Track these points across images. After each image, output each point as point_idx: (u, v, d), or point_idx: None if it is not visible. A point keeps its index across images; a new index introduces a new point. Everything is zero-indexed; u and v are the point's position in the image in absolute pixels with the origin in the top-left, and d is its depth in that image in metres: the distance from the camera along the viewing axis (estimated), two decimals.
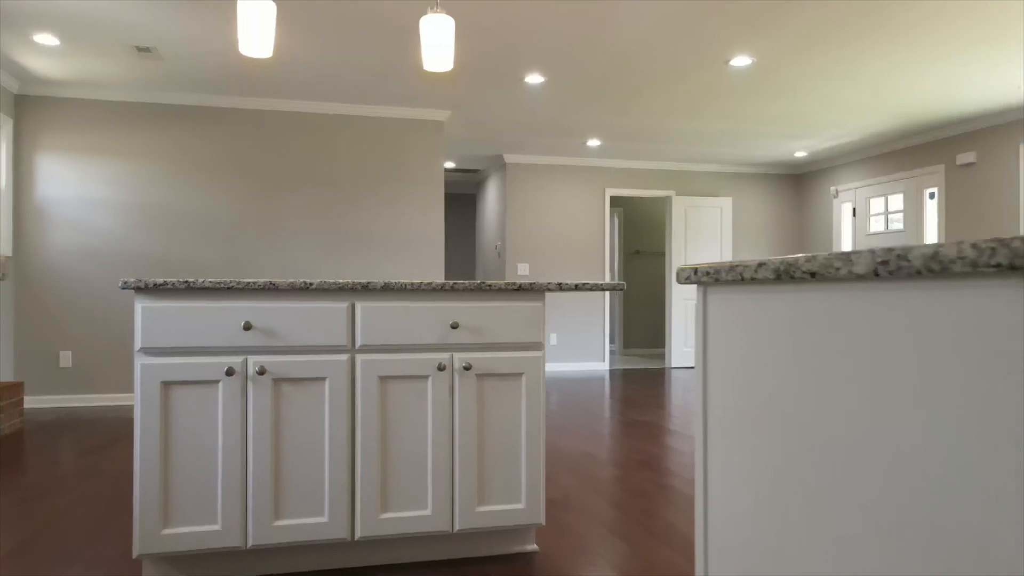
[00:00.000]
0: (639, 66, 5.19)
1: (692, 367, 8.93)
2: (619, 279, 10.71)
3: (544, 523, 2.45)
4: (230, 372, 2.18)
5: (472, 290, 2.40)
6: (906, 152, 7.66)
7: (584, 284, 2.46)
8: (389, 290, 2.32)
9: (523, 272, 8.53)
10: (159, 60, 5.08)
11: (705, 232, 8.99)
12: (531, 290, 2.43)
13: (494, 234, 9.14)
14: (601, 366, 8.79)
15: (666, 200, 9.06)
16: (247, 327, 2.19)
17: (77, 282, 5.75)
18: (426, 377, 2.36)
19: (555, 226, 8.65)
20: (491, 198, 9.37)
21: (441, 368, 2.34)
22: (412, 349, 2.36)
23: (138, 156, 5.86)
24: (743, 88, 5.70)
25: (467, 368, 2.36)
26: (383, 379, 2.33)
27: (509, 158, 8.47)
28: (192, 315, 2.18)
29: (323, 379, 2.28)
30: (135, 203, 5.84)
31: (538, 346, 2.47)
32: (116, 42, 4.74)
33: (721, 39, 4.67)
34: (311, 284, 2.25)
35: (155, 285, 2.14)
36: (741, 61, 5.06)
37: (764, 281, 0.96)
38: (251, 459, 2.21)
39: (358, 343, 2.30)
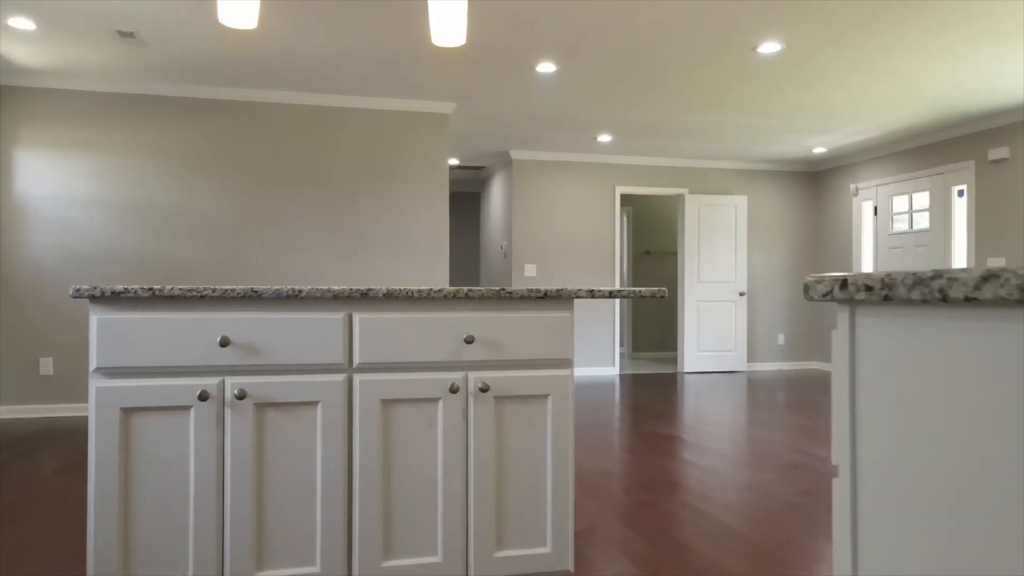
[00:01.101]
0: (659, 53, 4.85)
1: (706, 372, 8.58)
2: (629, 281, 10.36)
3: (573, 570, 2.10)
4: (204, 396, 1.83)
5: (489, 298, 2.05)
6: (933, 147, 7.31)
7: (619, 291, 2.11)
8: (392, 298, 1.98)
9: (530, 274, 8.19)
10: (143, 46, 4.73)
11: (719, 232, 8.64)
12: (558, 298, 2.09)
13: (499, 234, 8.79)
14: (611, 371, 8.44)
15: (678, 198, 8.71)
16: (224, 343, 1.84)
17: (59, 284, 5.41)
18: (436, 400, 2.01)
19: (563, 226, 8.30)
20: (496, 197, 9.02)
21: (454, 390, 2.00)
22: (420, 367, 2.01)
23: (124, 151, 5.51)
24: (769, 77, 5.34)
25: (484, 389, 2.01)
26: (386, 403, 1.98)
27: (515, 154, 8.13)
28: (158, 329, 1.83)
29: (315, 403, 1.93)
30: (121, 201, 5.50)
31: (566, 363, 2.12)
32: (96, 26, 4.39)
33: (749, 23, 4.32)
34: (300, 291, 1.90)
35: (113, 293, 1.79)
36: (770, 48, 4.71)
37: (989, 304, 0.61)
38: (229, 499, 1.86)
39: (356, 361, 1.96)
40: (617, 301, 8.42)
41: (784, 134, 7.24)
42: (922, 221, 7.49)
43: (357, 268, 5.91)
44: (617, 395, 6.75)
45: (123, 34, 4.51)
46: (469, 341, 2.01)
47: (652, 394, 6.78)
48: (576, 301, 8.29)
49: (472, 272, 10.98)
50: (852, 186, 8.38)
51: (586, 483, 3.60)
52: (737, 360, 8.66)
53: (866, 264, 8.27)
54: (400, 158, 6.04)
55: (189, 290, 1.83)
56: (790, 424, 5.19)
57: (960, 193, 7.08)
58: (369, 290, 1.94)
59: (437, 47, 4.74)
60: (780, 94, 5.79)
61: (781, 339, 8.94)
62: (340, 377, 1.95)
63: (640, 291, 2.14)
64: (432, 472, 2.01)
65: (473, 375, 2.04)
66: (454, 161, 8.77)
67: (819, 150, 8.07)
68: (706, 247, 8.62)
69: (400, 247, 6.01)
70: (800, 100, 5.96)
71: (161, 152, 5.58)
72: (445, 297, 2.00)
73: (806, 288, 0.80)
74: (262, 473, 1.89)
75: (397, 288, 1.97)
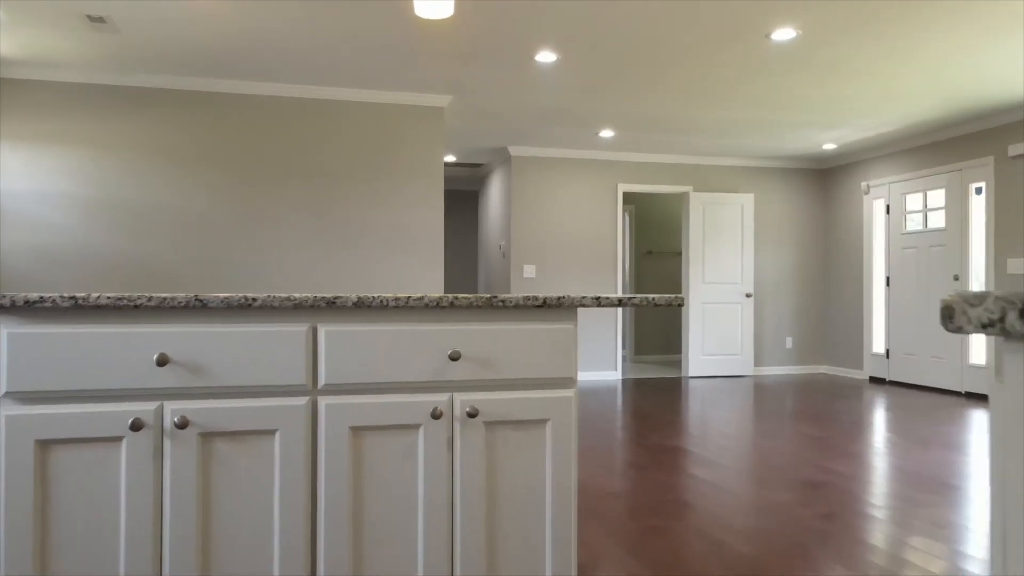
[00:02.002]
0: (666, 41, 4.55)
1: (711, 376, 8.28)
2: (631, 282, 10.07)
3: None
4: (137, 426, 1.54)
5: (479, 307, 1.75)
6: (949, 143, 7.01)
7: (629, 299, 1.82)
8: (364, 308, 1.68)
9: (529, 275, 7.89)
10: (116, 32, 4.43)
11: (725, 231, 8.34)
12: (559, 307, 1.79)
13: (498, 233, 8.50)
14: (614, 375, 8.15)
15: (683, 196, 8.41)
16: (162, 361, 1.55)
17: (31, 287, 5.11)
18: (416, 427, 1.72)
19: (564, 225, 8.00)
20: (495, 194, 8.73)
21: (436, 415, 1.70)
22: (397, 389, 1.72)
23: (101, 146, 5.22)
24: (783, 66, 5.05)
25: (472, 415, 1.72)
26: (356, 431, 1.69)
27: (514, 151, 7.83)
28: (83, 345, 1.53)
29: (272, 432, 1.63)
30: (98, 198, 5.20)
31: (568, 382, 1.82)
32: (64, 10, 4.10)
33: (763, 8, 4.03)
34: (254, 300, 1.60)
35: (27, 302, 1.49)
36: (784, 34, 4.42)
37: None
38: (168, 547, 1.56)
39: (322, 381, 1.66)
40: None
41: (794, 129, 6.94)
42: (937, 220, 7.20)
43: (347, 268, 5.62)
44: (620, 402, 6.46)
45: (93, 19, 4.22)
46: (455, 358, 1.71)
47: (657, 401, 6.49)
48: (574, 291, 7.99)
49: (470, 273, 10.68)
50: (863, 184, 8.09)
51: (590, 505, 3.30)
52: (743, 364, 8.36)
53: (878, 265, 7.97)
54: (393, 153, 5.75)
55: (119, 299, 1.53)
56: (803, 435, 4.90)
57: (978, 191, 6.79)
58: (336, 298, 1.65)
59: (430, 32, 4.44)
60: (793, 86, 5.49)
61: (789, 342, 8.65)
62: (302, 401, 1.65)
63: (654, 299, 1.85)
64: (411, 511, 1.71)
65: (460, 397, 1.74)
66: (451, 158, 8.48)
67: (829, 146, 7.77)
68: (711, 247, 8.32)
69: (393, 247, 5.72)
70: (814, 92, 5.66)
71: (141, 147, 5.28)
72: (427, 306, 1.71)
73: (948, 314, 0.51)
74: (208, 515, 1.60)
75: (369, 296, 1.67)
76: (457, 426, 1.73)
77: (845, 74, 5.19)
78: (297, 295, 1.63)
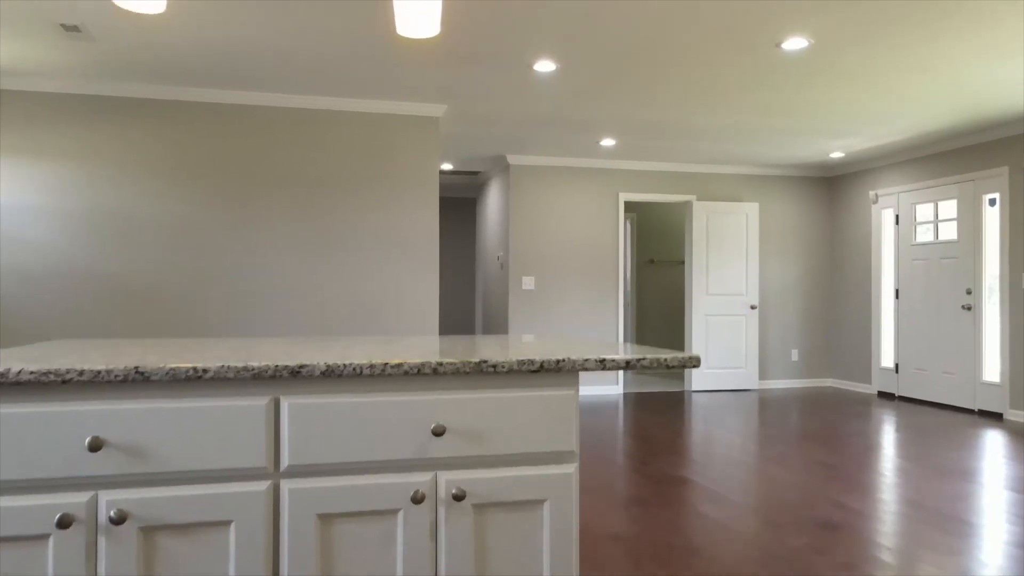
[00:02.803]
0: (670, 50, 4.33)
1: (715, 390, 8.07)
2: (632, 291, 9.84)
3: None
4: (65, 522, 1.32)
5: (467, 373, 1.53)
6: (962, 152, 6.79)
7: (640, 359, 1.60)
8: (334, 377, 1.46)
9: (528, 286, 7.67)
10: (91, 41, 4.21)
11: (729, 240, 8.12)
12: (558, 371, 1.57)
13: (496, 243, 8.28)
14: (614, 390, 7.93)
15: (686, 205, 8.19)
16: (96, 445, 1.33)
17: (7, 309, 4.89)
18: (394, 513, 1.50)
19: (564, 235, 7.78)
20: (493, 203, 8.51)
21: (418, 499, 1.48)
22: (372, 469, 1.50)
23: (79, 157, 4.99)
24: (793, 76, 4.83)
25: (459, 498, 1.50)
26: (325, 518, 1.46)
27: (512, 159, 7.61)
28: (1, 428, 1.31)
29: (226, 523, 1.41)
30: (76, 211, 4.98)
31: (569, 456, 1.60)
32: (36, 19, 3.87)
33: (774, 17, 3.81)
34: (205, 371, 1.38)
35: None
36: (795, 44, 4.19)
37: None
38: None
39: (285, 462, 1.44)
40: (620, 310, 7.91)
41: (801, 137, 6.72)
42: (949, 231, 6.98)
43: (340, 281, 5.40)
44: (621, 421, 6.23)
45: (67, 28, 3.99)
46: (439, 432, 1.49)
47: (659, 420, 6.26)
48: (576, 310, 7.78)
49: (467, 282, 10.46)
50: (871, 193, 7.87)
51: (590, 551, 3.08)
52: (748, 378, 8.14)
53: (886, 276, 7.75)
54: (386, 164, 5.53)
55: (44, 374, 1.31)
56: (815, 462, 4.68)
57: (992, 202, 6.57)
58: (301, 367, 1.43)
59: (423, 43, 4.22)
60: (802, 94, 5.27)
61: (795, 355, 8.43)
62: (262, 486, 1.43)
63: (665, 359, 1.62)
64: None
65: (445, 477, 1.52)
66: (447, 166, 8.25)
67: (836, 154, 7.55)
68: (715, 258, 8.10)
69: (388, 259, 5.50)
70: (824, 101, 5.44)
71: (122, 158, 5.05)
72: (406, 374, 1.49)
73: None
74: None
75: (339, 364, 1.45)
76: (441, 510, 1.51)
77: (857, 83, 4.97)
78: (256, 364, 1.41)
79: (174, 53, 4.40)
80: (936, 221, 7.11)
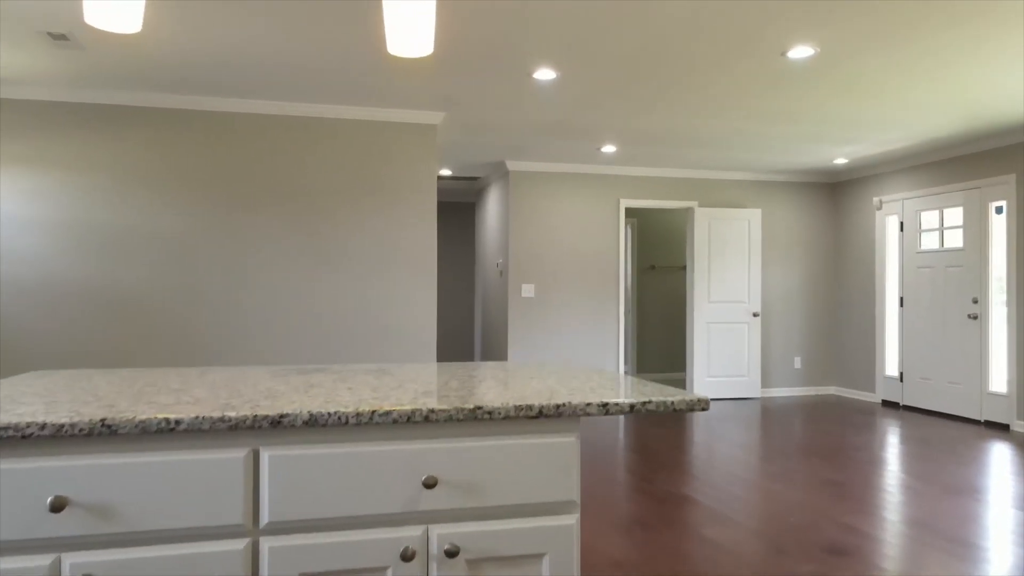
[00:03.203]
0: (672, 59, 4.23)
1: (717, 399, 7.97)
2: (632, 298, 9.74)
3: None
4: None
5: (461, 420, 1.44)
6: (968, 159, 6.69)
7: (646, 403, 1.50)
8: (318, 426, 1.37)
9: (528, 294, 7.57)
10: (80, 50, 4.11)
11: (731, 246, 8.02)
12: (558, 416, 1.47)
13: (495, 249, 8.18)
14: None
15: (687, 212, 8.09)
16: (59, 506, 1.23)
17: None
18: (383, 571, 1.40)
19: (564, 241, 7.69)
20: (492, 209, 8.41)
21: (407, 556, 1.38)
22: (358, 524, 1.40)
23: (66, 166, 4.89)
24: (798, 84, 4.73)
25: (451, 553, 1.40)
26: None
27: (512, 165, 7.51)
28: None
29: None
30: (65, 221, 4.88)
31: (570, 507, 1.50)
32: (20, 27, 3.78)
33: (779, 25, 3.71)
34: (178, 423, 1.29)
35: None
36: (801, 52, 4.10)
37: None
38: None
39: (264, 519, 1.35)
40: (620, 317, 7.81)
41: (805, 143, 6.62)
42: (954, 239, 6.88)
43: (336, 292, 5.30)
44: (621, 432, 6.13)
45: (54, 36, 3.89)
46: (431, 484, 1.39)
47: (660, 431, 6.16)
48: (576, 318, 7.68)
49: (467, 288, 10.36)
50: (875, 199, 7.77)
51: None
52: (750, 386, 8.04)
53: (891, 284, 7.66)
54: (384, 173, 5.43)
55: (3, 428, 1.21)
56: (821, 479, 4.58)
57: (999, 210, 6.47)
58: (283, 416, 1.33)
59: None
60: (807, 102, 5.17)
61: (798, 362, 8.33)
62: (240, 544, 1.33)
63: (672, 402, 1.53)
64: None
65: (437, 531, 1.42)
66: (446, 171, 8.16)
67: (841, 160, 7.45)
68: (717, 264, 8.00)
69: (385, 269, 5.40)
70: (829, 108, 5.34)
71: (113, 168, 4.96)
72: (395, 422, 1.39)
73: None
74: None
75: (323, 412, 1.35)
76: (434, 567, 1.41)
77: (863, 90, 4.87)
78: (233, 414, 1.31)
79: (164, 61, 4.30)
80: (941, 228, 7.01)
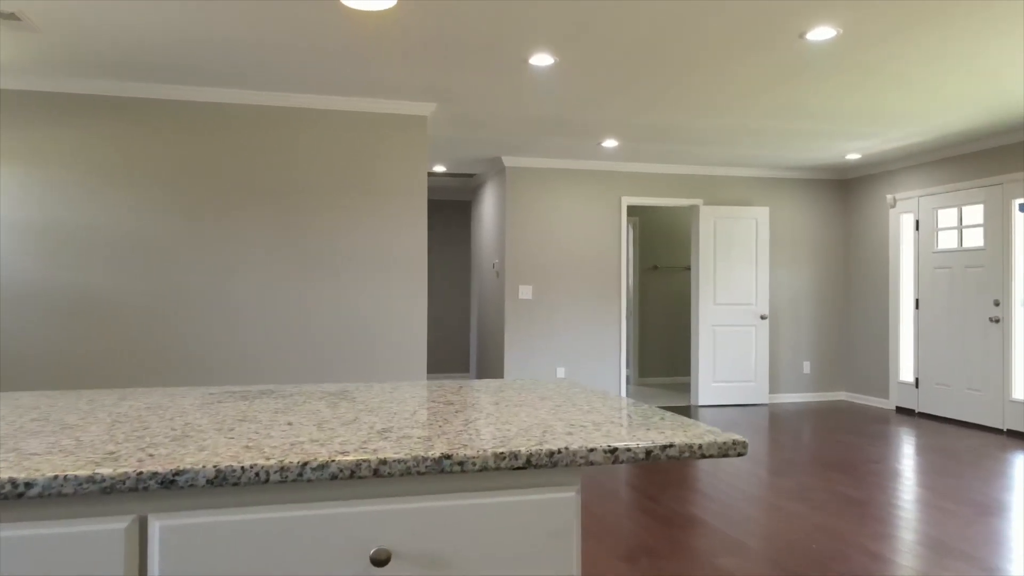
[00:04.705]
0: (681, 42, 3.88)
1: (723, 405, 7.62)
2: (635, 300, 9.39)
3: None
4: None
5: (423, 474, 1.09)
6: (988, 154, 6.34)
7: (668, 446, 1.15)
8: (227, 486, 1.02)
9: (525, 296, 7.22)
10: (34, 31, 3.76)
11: (738, 246, 7.67)
12: (552, 466, 1.12)
13: (491, 249, 7.83)
14: None
15: (692, 210, 7.74)
16: None
17: None
18: None
19: (563, 241, 7.34)
20: (488, 207, 8.06)
21: None
22: None
23: (25, 160, 4.54)
24: (816, 72, 4.38)
25: None
26: None
27: (509, 161, 7.17)
28: None
29: None
30: (18, 221, 4.53)
31: None
32: None
33: (798, 4, 3.36)
34: (29, 486, 0.94)
35: None
36: (821, 34, 3.75)
37: None
38: None
39: None
40: (622, 320, 7.46)
41: (817, 138, 6.28)
42: (974, 238, 6.53)
43: (318, 296, 4.95)
44: None
45: (3, 15, 3.55)
46: (381, 561, 1.05)
47: None
48: (575, 321, 7.33)
49: (462, 292, 10.01)
50: (889, 196, 7.42)
51: None
52: (758, 392, 7.69)
53: (905, 285, 7.31)
54: (370, 168, 5.08)
55: None
56: (839, 497, 4.23)
57: (1022, 207, 6.12)
58: (178, 474, 0.98)
59: (405, 32, 3.77)
60: (825, 93, 4.82)
61: (807, 367, 7.98)
62: None
63: (699, 446, 1.18)
64: None
65: None
66: (440, 168, 7.81)
67: (853, 156, 7.10)
68: (723, 265, 7.65)
69: (371, 272, 5.05)
70: (847, 99, 4.99)
71: (74, 163, 4.61)
72: (334, 478, 1.04)
73: None
74: None
75: (235, 466, 1.01)
76: None
77: (887, 78, 4.52)
78: (107, 471, 0.96)
79: (127, 45, 3.95)
80: (960, 227, 6.67)
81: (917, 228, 7.11)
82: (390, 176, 5.12)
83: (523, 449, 1.11)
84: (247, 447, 1.10)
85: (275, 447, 1.10)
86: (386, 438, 1.18)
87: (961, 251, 6.61)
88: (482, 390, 1.75)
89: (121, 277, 4.65)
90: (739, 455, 1.19)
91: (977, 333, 6.44)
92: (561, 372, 7.32)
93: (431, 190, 9.55)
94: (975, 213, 6.52)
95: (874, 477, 4.69)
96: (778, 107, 5.20)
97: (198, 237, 4.77)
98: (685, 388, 8.88)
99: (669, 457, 1.16)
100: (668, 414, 1.40)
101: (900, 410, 7.28)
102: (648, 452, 1.15)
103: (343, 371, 5.02)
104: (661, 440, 1.17)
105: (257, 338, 4.85)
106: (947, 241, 6.82)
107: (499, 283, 7.43)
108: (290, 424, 1.30)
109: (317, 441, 1.15)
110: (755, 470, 4.88)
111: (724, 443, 1.19)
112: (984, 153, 6.38)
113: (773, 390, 7.90)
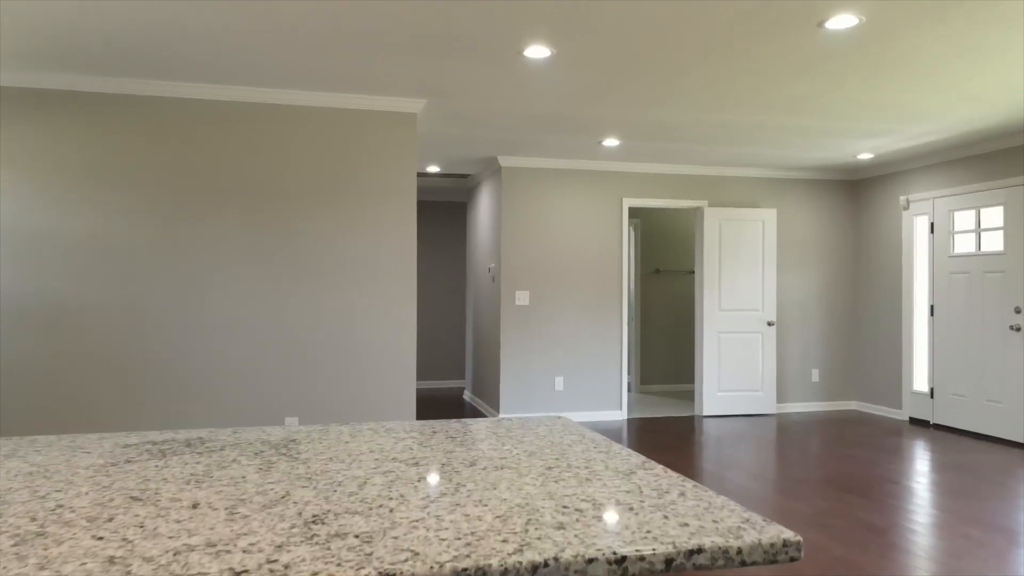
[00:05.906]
0: (688, 31, 3.57)
1: (729, 415, 7.30)
2: (636, 305, 9.08)
3: None
4: None
5: None
6: (1008, 153, 6.03)
7: (697, 550, 0.84)
8: None
9: (522, 302, 6.91)
10: None
11: (744, 249, 7.36)
12: None
13: (487, 253, 7.52)
14: (618, 415, 7.17)
15: (696, 212, 7.43)
16: None
17: None
18: None
19: (561, 244, 7.02)
20: (484, 209, 7.75)
21: None
22: None
23: None
24: (835, 62, 4.07)
25: None
26: None
27: (504, 161, 6.85)
28: None
29: None
30: None
31: None
32: None
33: None
34: None
35: None
36: (842, 22, 3.43)
37: None
38: None
39: None
40: (624, 327, 7.15)
41: (830, 136, 5.96)
42: (993, 242, 6.21)
43: (300, 305, 4.64)
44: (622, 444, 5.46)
45: None
46: None
47: (670, 456, 5.50)
48: (575, 328, 7.01)
49: (457, 297, 9.69)
50: (902, 198, 7.11)
51: None
52: (765, 401, 7.38)
53: (920, 291, 6.99)
54: (356, 168, 4.77)
55: None
56: (861, 525, 3.91)
57: None
58: None
59: (394, 22, 3.45)
60: (843, 87, 4.51)
61: (816, 375, 7.67)
62: None
63: (739, 549, 0.87)
64: None
65: None
66: (434, 168, 7.49)
67: (865, 155, 6.79)
68: (728, 269, 7.33)
69: (356, 279, 4.74)
70: (868, 93, 4.68)
71: (39, 163, 4.29)
72: None
73: None
74: None
75: None
76: None
77: (911, 71, 4.21)
78: None
79: (96, 37, 3.64)
80: (978, 230, 6.35)
81: (932, 231, 6.79)
82: (378, 176, 4.81)
83: (494, 563, 0.80)
84: (111, 560, 0.79)
85: (149, 558, 0.79)
86: (311, 537, 0.86)
87: (979, 255, 6.30)
88: (458, 439, 1.44)
89: (91, 284, 4.34)
90: (792, 560, 0.88)
91: (996, 342, 6.12)
92: (559, 382, 7.00)
93: (424, 191, 9.24)
94: (994, 215, 6.21)
95: (893, 500, 4.38)
96: (792, 102, 4.88)
97: (174, 241, 4.46)
98: (689, 396, 8.57)
99: (697, 566, 0.85)
100: (689, 486, 1.09)
101: (914, 421, 6.96)
102: (669, 562, 0.84)
103: (327, 381, 4.70)
104: (685, 542, 0.86)
105: (237, 345, 4.54)
106: (964, 245, 6.51)
107: (495, 288, 7.11)
108: (195, 507, 0.98)
109: (213, 547, 0.84)
110: (765, 492, 4.57)
111: (772, 545, 0.87)
112: (1004, 152, 6.06)
113: (781, 399, 7.58)
